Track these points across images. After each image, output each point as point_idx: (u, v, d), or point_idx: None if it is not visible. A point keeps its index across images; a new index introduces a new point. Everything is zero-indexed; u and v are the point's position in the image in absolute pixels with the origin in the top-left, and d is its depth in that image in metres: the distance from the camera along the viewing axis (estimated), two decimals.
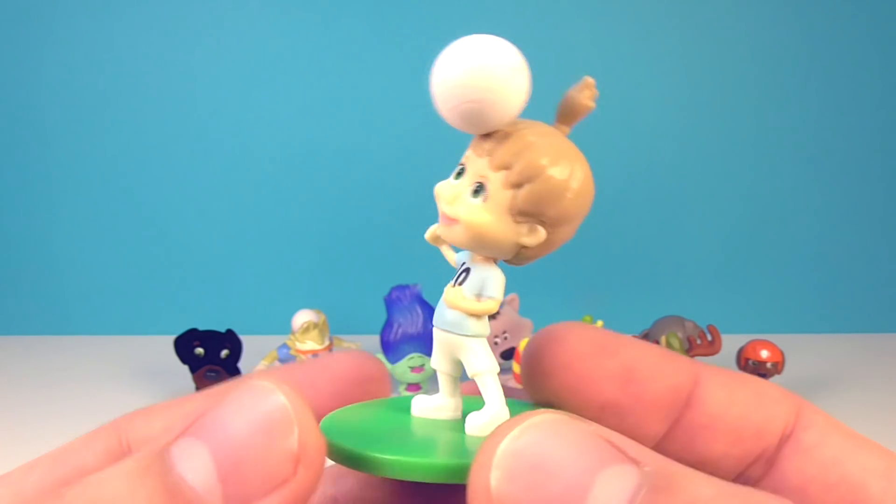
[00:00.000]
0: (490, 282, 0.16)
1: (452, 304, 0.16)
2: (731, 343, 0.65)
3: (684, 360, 0.17)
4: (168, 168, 0.83)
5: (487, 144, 0.16)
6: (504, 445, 0.12)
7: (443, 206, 0.16)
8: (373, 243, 0.83)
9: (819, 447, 0.15)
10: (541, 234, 0.15)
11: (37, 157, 0.82)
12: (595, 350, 0.16)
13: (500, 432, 0.12)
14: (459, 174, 0.16)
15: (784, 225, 0.86)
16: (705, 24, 0.82)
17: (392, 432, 0.16)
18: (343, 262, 0.84)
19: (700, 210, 0.85)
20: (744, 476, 0.16)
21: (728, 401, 0.16)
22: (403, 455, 0.14)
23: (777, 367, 0.61)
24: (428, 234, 0.17)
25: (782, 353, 0.61)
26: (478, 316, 0.16)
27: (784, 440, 0.16)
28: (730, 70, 0.83)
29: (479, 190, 0.15)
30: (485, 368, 0.16)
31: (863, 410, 0.61)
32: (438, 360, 0.17)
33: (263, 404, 0.12)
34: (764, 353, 0.61)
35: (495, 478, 0.12)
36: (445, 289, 0.17)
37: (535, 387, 0.17)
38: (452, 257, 0.18)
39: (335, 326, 0.70)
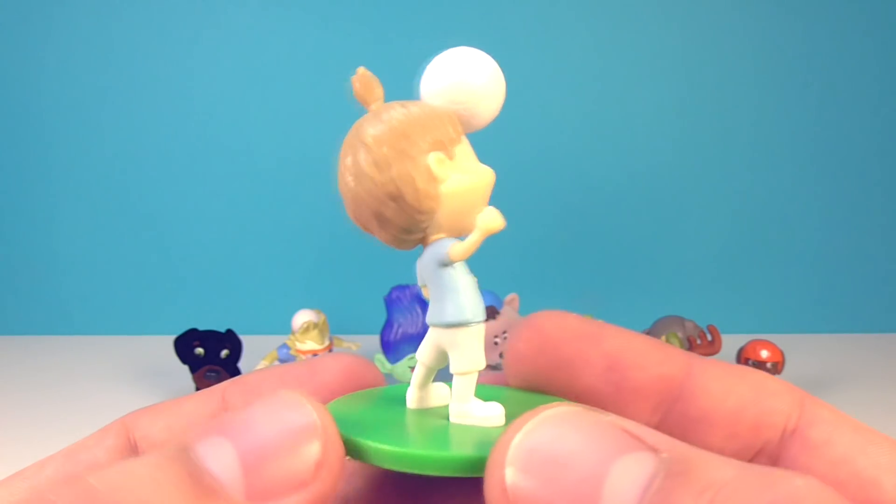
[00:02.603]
0: None
1: None
2: (731, 343, 0.65)
3: (676, 352, 0.16)
4: (168, 168, 0.83)
5: None
6: (517, 441, 0.12)
7: None
8: (373, 243, 0.83)
9: (828, 444, 0.15)
10: None
11: (37, 156, 0.82)
12: (574, 337, 0.16)
13: (514, 427, 0.12)
14: None
15: (784, 225, 0.86)
16: (704, 23, 0.82)
17: (397, 423, 0.16)
18: (343, 262, 0.84)
19: (699, 210, 0.85)
20: None
21: (723, 394, 0.16)
22: (417, 448, 0.14)
23: (777, 368, 0.61)
24: None
25: (782, 353, 0.61)
26: None
27: (788, 435, 0.15)
28: (728, 70, 0.83)
29: None
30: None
31: (863, 410, 0.61)
32: None
33: (291, 411, 0.13)
34: (764, 353, 0.61)
35: (510, 474, 0.12)
36: None
37: (513, 371, 0.17)
38: None
39: (335, 326, 0.70)
